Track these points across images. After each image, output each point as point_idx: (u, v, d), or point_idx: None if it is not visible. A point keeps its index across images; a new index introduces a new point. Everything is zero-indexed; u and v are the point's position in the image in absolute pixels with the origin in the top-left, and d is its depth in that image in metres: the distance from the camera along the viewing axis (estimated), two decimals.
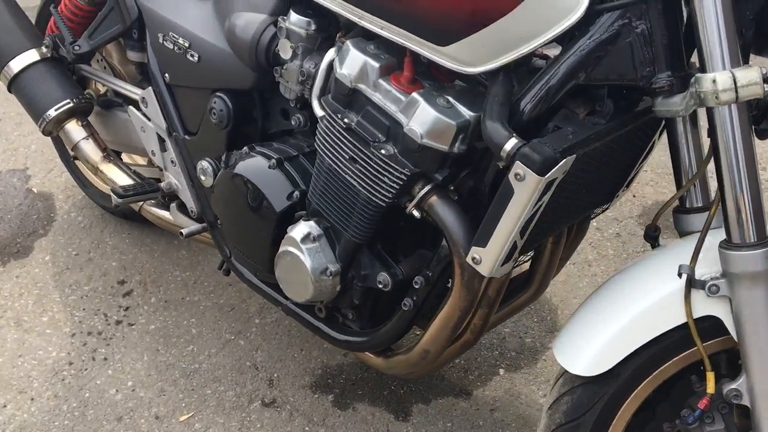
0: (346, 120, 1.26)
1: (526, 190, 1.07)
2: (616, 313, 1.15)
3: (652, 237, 1.30)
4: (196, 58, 1.56)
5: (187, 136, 1.68)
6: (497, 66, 1.12)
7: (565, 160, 1.06)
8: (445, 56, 1.15)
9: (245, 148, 1.49)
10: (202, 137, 1.64)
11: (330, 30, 1.40)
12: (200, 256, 2.21)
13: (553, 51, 1.19)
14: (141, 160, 2.09)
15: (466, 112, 1.18)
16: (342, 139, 1.28)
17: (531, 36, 1.08)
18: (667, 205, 1.25)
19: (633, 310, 1.13)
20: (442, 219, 1.23)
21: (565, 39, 1.11)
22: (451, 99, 1.19)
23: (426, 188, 1.24)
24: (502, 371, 1.87)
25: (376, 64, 1.23)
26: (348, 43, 1.26)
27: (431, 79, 1.25)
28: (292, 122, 1.49)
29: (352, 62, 1.25)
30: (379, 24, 1.21)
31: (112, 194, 1.73)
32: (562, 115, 1.16)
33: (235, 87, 1.53)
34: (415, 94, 1.19)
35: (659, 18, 1.06)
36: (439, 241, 1.31)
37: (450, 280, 1.29)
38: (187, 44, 1.57)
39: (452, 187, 1.26)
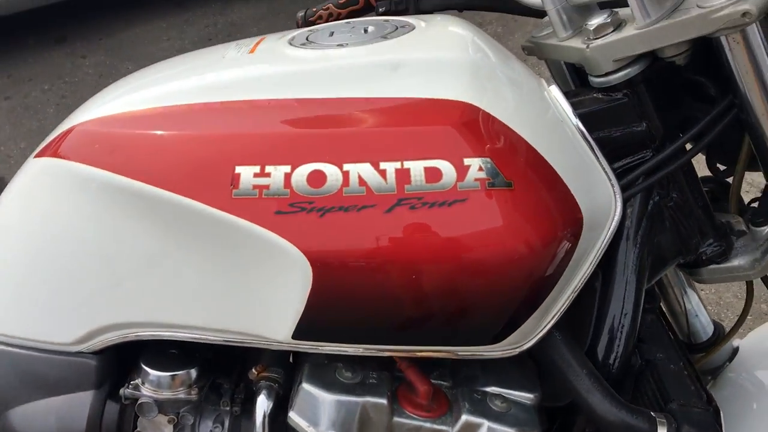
0: None
1: None
2: None
3: None
4: None
5: None
6: (550, 327, 0.80)
7: (721, 413, 0.80)
8: (487, 350, 0.78)
9: None
10: None
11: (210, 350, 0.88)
12: None
13: None
14: None
15: (525, 397, 0.83)
16: None
17: (578, 270, 0.79)
18: None
19: None
20: None
21: None
22: (502, 393, 0.81)
23: None
24: None
25: (383, 401, 0.77)
26: (306, 388, 0.77)
27: (433, 368, 0.85)
28: None
29: (338, 416, 0.76)
30: (362, 347, 0.76)
31: None
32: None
33: None
34: (467, 416, 0.78)
35: (685, 184, 0.88)
36: None
37: None
38: None
39: None
